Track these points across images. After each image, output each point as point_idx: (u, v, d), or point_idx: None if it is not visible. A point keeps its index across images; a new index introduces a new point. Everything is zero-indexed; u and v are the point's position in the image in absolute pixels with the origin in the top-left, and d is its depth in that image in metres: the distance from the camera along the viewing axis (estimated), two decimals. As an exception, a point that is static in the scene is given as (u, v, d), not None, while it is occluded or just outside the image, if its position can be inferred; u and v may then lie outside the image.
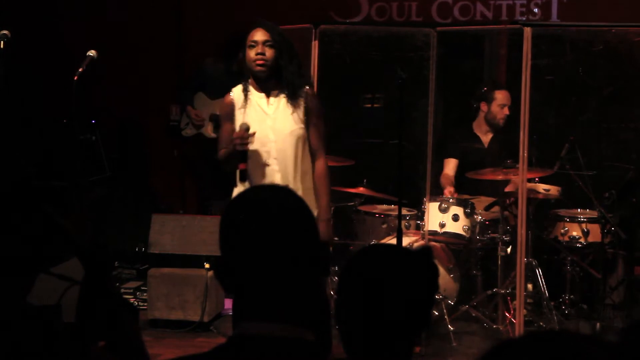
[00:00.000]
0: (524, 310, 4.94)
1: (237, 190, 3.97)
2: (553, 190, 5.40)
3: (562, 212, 5.56)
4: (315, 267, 1.58)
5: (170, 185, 6.93)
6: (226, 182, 6.42)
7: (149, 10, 6.80)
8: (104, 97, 6.59)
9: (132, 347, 1.84)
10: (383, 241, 5.16)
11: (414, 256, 1.75)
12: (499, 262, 5.18)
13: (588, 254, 5.57)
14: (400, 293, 1.68)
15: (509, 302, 5.15)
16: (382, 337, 1.67)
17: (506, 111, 5.71)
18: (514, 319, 4.92)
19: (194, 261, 5.36)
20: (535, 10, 6.37)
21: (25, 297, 1.74)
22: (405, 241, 4.94)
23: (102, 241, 6.04)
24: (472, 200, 5.38)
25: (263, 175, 3.94)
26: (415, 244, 5.15)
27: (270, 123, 3.96)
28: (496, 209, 5.32)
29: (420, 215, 5.39)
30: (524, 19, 6.30)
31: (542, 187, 5.39)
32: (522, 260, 4.81)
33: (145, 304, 5.42)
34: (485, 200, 5.53)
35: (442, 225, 5.22)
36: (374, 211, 5.57)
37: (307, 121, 4.00)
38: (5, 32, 4.10)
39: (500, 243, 5.16)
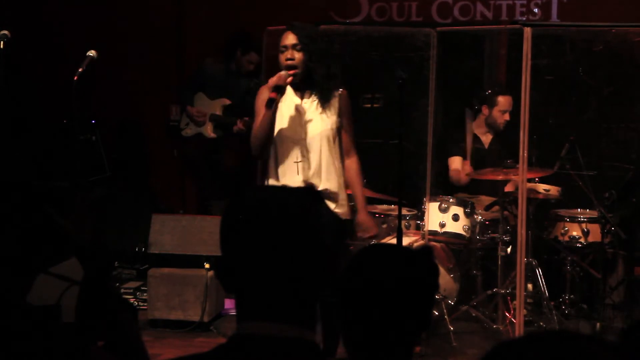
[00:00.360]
0: (524, 310, 4.95)
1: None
2: (553, 190, 5.40)
3: (562, 212, 5.56)
4: (316, 267, 1.58)
5: (170, 185, 6.93)
6: (226, 182, 6.45)
7: (149, 10, 6.80)
8: (104, 97, 6.59)
9: (132, 347, 1.84)
10: (383, 241, 5.15)
11: (415, 256, 1.75)
12: (499, 262, 5.18)
13: (588, 254, 5.57)
14: (400, 293, 1.68)
15: (509, 302, 5.15)
16: (383, 337, 1.67)
17: (507, 117, 5.71)
18: (514, 319, 4.92)
19: (194, 261, 5.35)
20: (535, 10, 6.37)
21: (25, 297, 1.74)
22: (405, 241, 4.94)
23: (102, 241, 6.04)
24: (472, 200, 5.39)
25: (294, 171, 4.06)
26: (415, 244, 5.15)
27: (302, 121, 4.07)
28: (496, 208, 5.33)
29: (420, 215, 5.39)
30: (524, 19, 6.30)
31: (542, 187, 5.39)
32: (522, 260, 4.81)
33: (145, 304, 5.42)
34: (485, 200, 5.54)
35: (442, 225, 5.22)
36: (374, 211, 5.57)
37: (340, 122, 4.12)
38: (5, 32, 4.10)
39: (500, 243, 5.17)
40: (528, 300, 5.23)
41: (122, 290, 5.68)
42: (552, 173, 5.38)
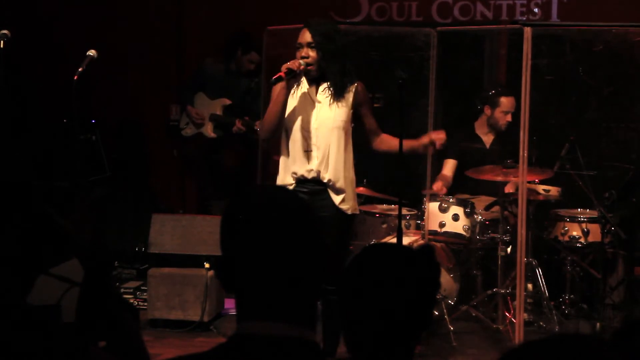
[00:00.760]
0: (525, 314, 4.94)
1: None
2: (553, 190, 5.40)
3: (562, 212, 5.56)
4: (316, 267, 1.58)
5: (170, 185, 6.93)
6: (226, 182, 6.45)
7: (149, 10, 6.79)
8: (104, 97, 6.59)
9: (132, 347, 1.84)
10: (383, 241, 5.15)
11: (416, 255, 1.75)
12: (499, 262, 5.18)
13: (588, 254, 5.57)
14: (401, 292, 1.67)
15: (509, 302, 5.15)
16: (384, 337, 1.67)
17: (509, 118, 5.70)
18: (514, 319, 4.92)
19: (194, 261, 5.36)
20: (536, 10, 6.37)
21: (25, 297, 1.74)
22: (405, 241, 4.94)
23: (102, 241, 6.04)
24: (472, 200, 5.38)
25: (304, 161, 4.18)
26: (416, 244, 5.15)
27: (315, 113, 4.18)
28: (496, 208, 5.33)
29: (420, 215, 5.39)
30: (524, 19, 6.29)
31: (542, 188, 5.39)
32: (522, 260, 4.81)
33: (145, 304, 5.42)
34: (485, 200, 5.53)
35: (442, 225, 5.22)
36: (374, 211, 5.57)
37: (359, 113, 4.26)
38: (5, 32, 4.10)
39: (500, 243, 5.17)
40: (528, 300, 5.23)
41: (122, 290, 5.68)
42: (552, 175, 5.38)
